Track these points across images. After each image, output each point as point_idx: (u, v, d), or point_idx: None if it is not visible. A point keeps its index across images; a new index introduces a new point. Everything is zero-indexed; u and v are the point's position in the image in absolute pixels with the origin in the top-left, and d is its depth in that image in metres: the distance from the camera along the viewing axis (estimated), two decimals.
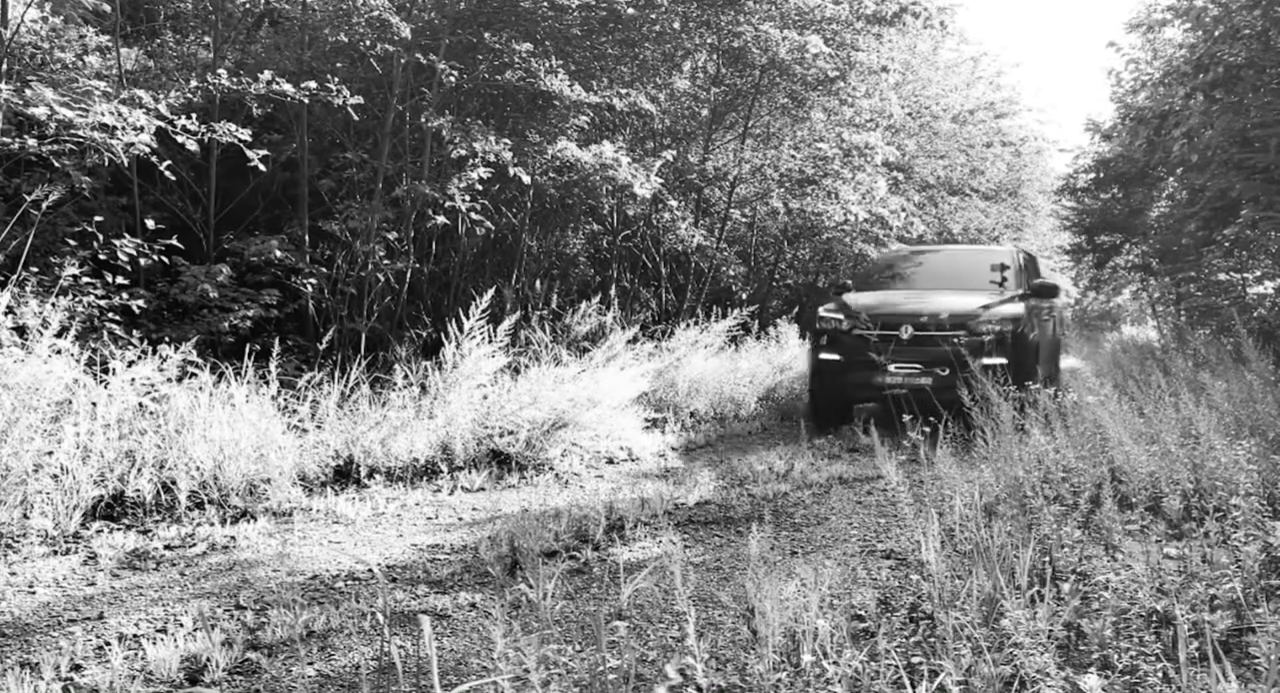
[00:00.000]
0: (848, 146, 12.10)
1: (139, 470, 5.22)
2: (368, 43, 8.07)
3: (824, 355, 8.47)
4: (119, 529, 4.86)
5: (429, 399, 7.06)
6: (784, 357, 11.68)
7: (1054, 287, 8.86)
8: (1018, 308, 8.14)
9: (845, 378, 8.25)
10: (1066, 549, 3.35)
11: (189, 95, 6.75)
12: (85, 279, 6.35)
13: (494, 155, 8.03)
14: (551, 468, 6.84)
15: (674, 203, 11.49)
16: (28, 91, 5.77)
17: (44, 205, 6.12)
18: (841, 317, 8.42)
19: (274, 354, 6.43)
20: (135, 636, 3.39)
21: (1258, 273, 11.47)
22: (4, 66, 6.24)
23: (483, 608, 3.70)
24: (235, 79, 6.89)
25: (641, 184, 9.02)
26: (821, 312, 8.78)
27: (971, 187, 18.89)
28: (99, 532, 4.79)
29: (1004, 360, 7.46)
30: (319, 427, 6.40)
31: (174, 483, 5.28)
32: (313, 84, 6.97)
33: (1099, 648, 2.62)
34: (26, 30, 6.75)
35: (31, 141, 5.98)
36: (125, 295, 6.53)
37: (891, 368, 7.91)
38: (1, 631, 3.45)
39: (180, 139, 6.38)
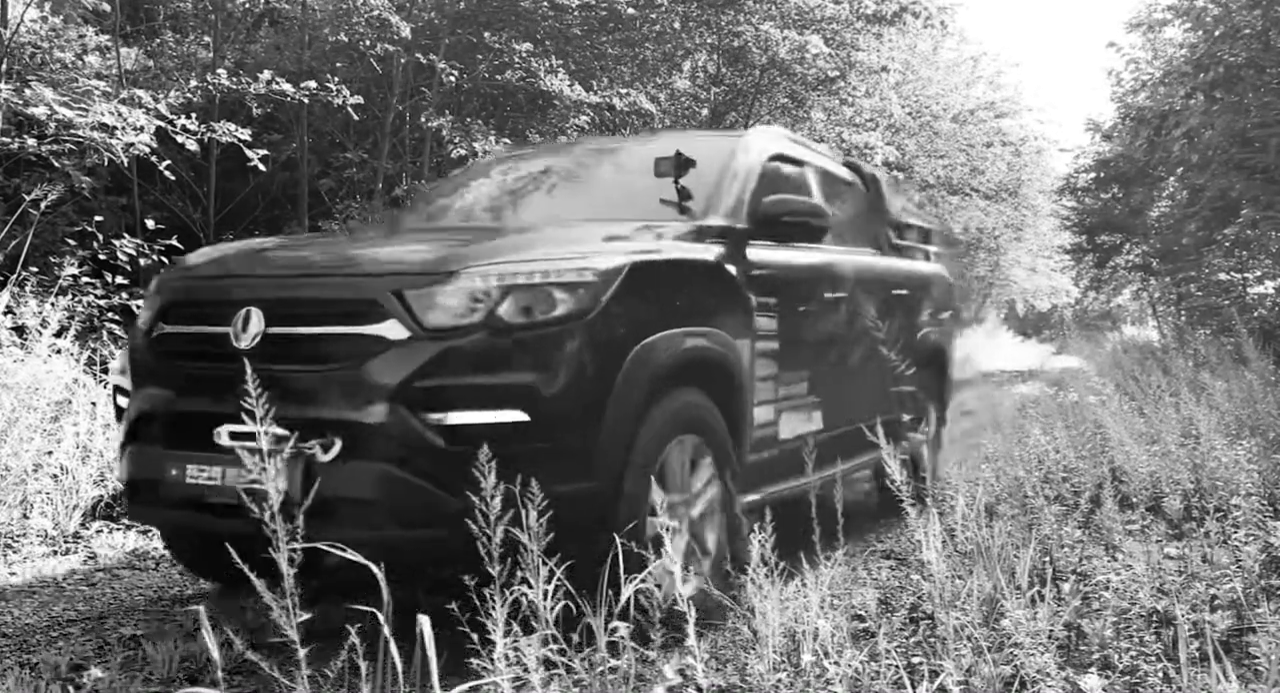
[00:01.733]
0: (847, 146, 12.10)
1: None
2: (368, 43, 8.08)
3: (120, 399, 3.39)
4: (119, 529, 4.86)
5: None
6: None
7: (811, 211, 3.71)
8: (624, 255, 2.96)
9: (140, 463, 3.12)
10: (1067, 549, 3.34)
11: (189, 95, 6.76)
12: (85, 279, 6.35)
13: None
14: None
15: None
16: (28, 91, 5.77)
17: (43, 205, 6.12)
18: (155, 297, 3.27)
19: None
20: (135, 636, 3.39)
21: (1258, 273, 11.45)
22: (4, 66, 6.24)
23: (483, 608, 3.69)
24: (235, 79, 6.89)
25: None
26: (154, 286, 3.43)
27: (972, 186, 18.89)
28: (99, 532, 4.78)
29: (524, 416, 2.70)
30: None
31: None
32: (312, 84, 6.97)
33: (1099, 648, 2.62)
34: (26, 30, 6.75)
35: (31, 141, 5.98)
36: (125, 295, 6.52)
37: (223, 437, 2.79)
38: (1, 631, 3.44)
39: (180, 139, 6.39)
